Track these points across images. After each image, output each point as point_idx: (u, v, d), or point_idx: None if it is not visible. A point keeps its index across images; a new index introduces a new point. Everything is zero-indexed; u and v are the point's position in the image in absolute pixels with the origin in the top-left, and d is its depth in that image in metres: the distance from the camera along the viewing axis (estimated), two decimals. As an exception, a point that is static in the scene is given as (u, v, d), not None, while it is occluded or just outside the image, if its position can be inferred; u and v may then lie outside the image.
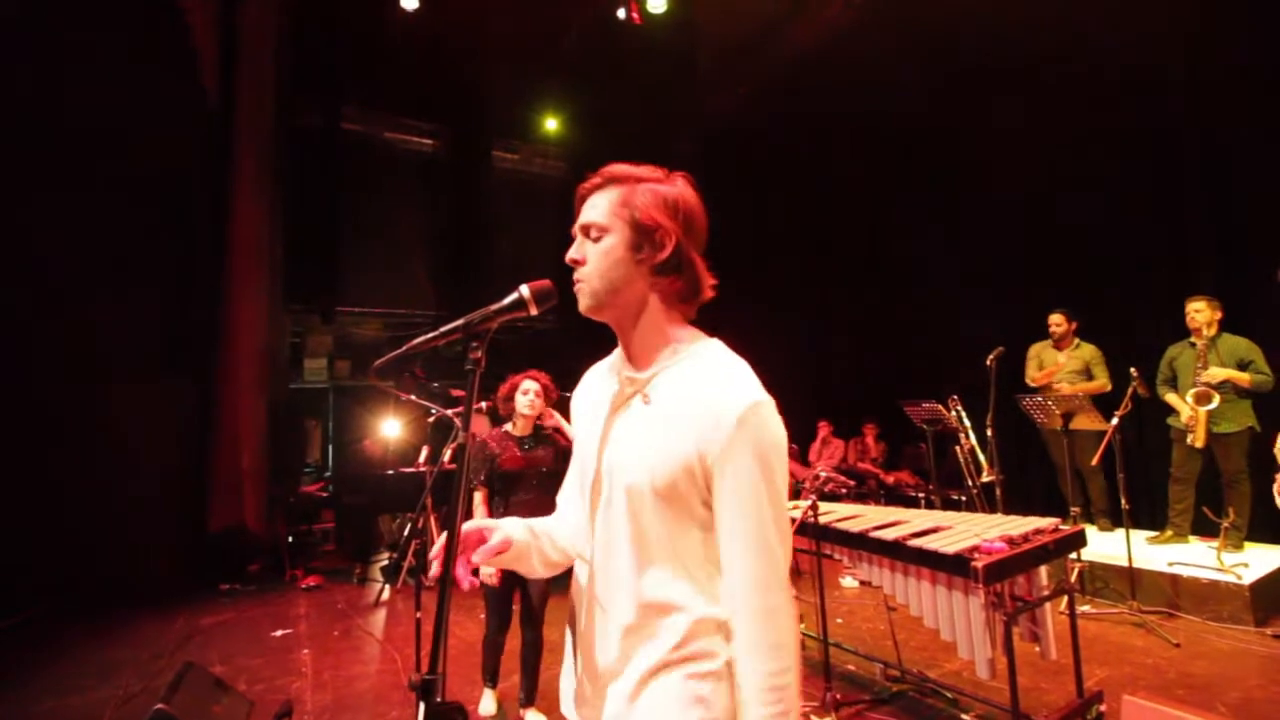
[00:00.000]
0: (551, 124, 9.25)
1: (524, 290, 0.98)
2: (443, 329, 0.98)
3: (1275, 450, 2.36)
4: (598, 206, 0.98)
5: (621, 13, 6.83)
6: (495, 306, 0.98)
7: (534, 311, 0.99)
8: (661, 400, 0.96)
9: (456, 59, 7.90)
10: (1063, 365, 4.97)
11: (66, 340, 5.31)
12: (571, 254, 1.00)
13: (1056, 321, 5.01)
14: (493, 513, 2.99)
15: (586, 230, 0.99)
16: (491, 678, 3.07)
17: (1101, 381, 4.80)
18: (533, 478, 2.97)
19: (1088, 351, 4.93)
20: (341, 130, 8.09)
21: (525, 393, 2.98)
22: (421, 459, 5.93)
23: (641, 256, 0.96)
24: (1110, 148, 5.28)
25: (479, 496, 3.00)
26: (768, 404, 0.92)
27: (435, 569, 0.90)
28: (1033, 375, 5.14)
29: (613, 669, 0.97)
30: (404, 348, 1.00)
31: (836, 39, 6.73)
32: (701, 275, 1.00)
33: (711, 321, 1.05)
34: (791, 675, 0.89)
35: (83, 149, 5.39)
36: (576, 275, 1.00)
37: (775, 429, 0.92)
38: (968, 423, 4.62)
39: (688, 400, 0.93)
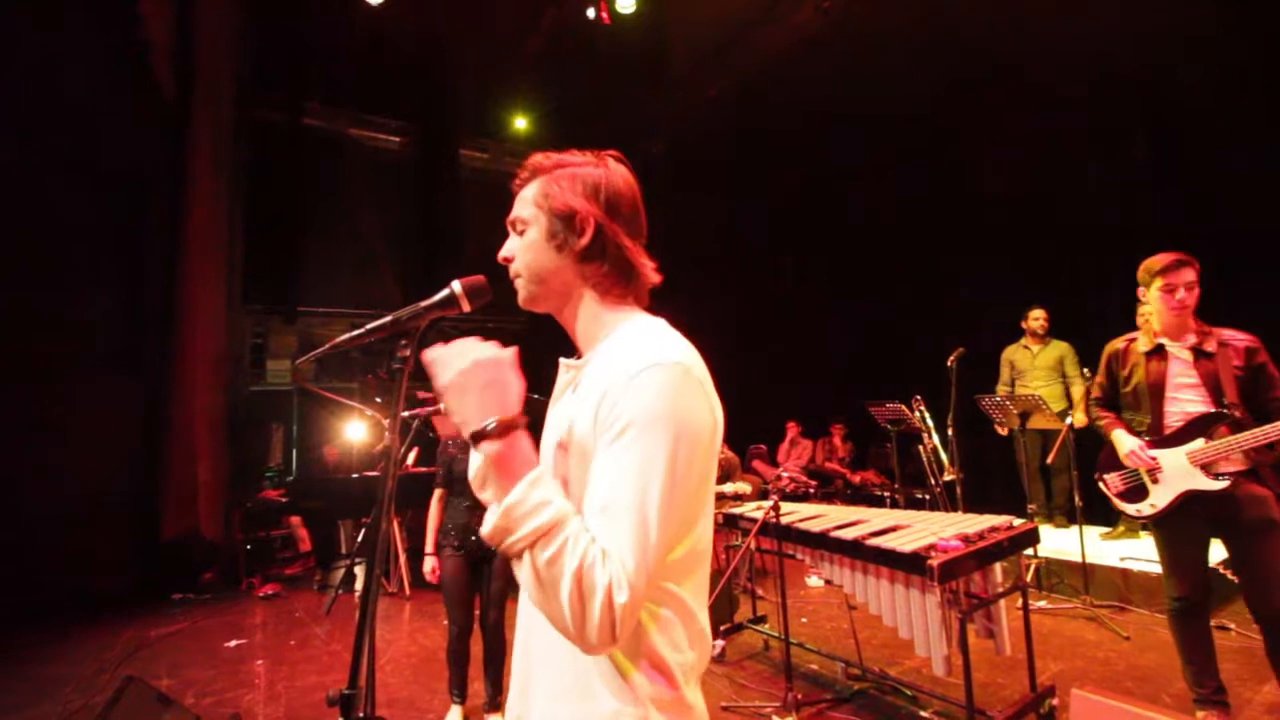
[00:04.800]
0: (521, 123, 9.18)
1: (455, 286, 0.95)
2: (370, 325, 0.95)
3: (1125, 461, 2.56)
4: (523, 200, 0.96)
5: (591, 12, 6.80)
6: (426, 303, 0.95)
7: (466, 308, 0.96)
8: (585, 384, 0.90)
9: (424, 56, 7.79)
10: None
11: (10, 339, 5.07)
12: (502, 252, 0.98)
13: (1042, 317, 5.11)
14: (448, 513, 2.97)
15: (513, 225, 0.97)
16: (459, 691, 2.99)
17: (1079, 384, 4.87)
18: None
19: (1061, 349, 5.06)
20: (304, 127, 7.89)
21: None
22: (410, 460, 5.79)
23: (559, 243, 0.93)
24: (1069, 153, 5.41)
25: (436, 496, 2.97)
26: (676, 368, 0.80)
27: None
28: (1007, 380, 5.24)
29: (526, 684, 0.92)
30: (327, 345, 0.96)
31: (806, 43, 6.80)
32: (634, 260, 0.94)
33: (680, 322, 1.00)
34: (552, 587, 0.71)
35: (28, 141, 5.15)
36: (511, 272, 0.98)
37: (676, 395, 0.78)
38: (930, 423, 4.70)
39: (600, 376, 0.86)
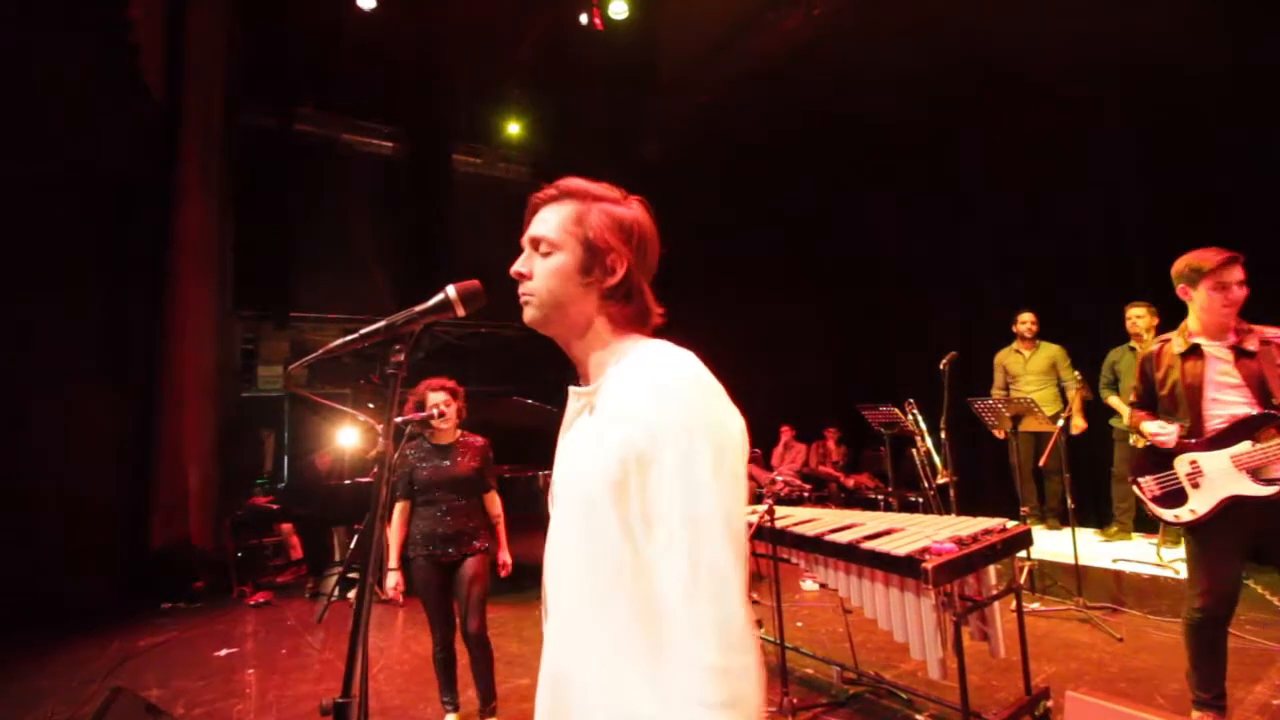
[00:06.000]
0: (514, 128, 9.18)
1: (450, 291, 0.95)
2: (364, 331, 0.95)
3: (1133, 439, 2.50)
4: (548, 221, 0.94)
5: (584, 18, 6.82)
6: (420, 308, 0.95)
7: (461, 313, 0.96)
8: (602, 407, 0.91)
9: (416, 61, 7.79)
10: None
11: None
12: (518, 267, 0.96)
13: (1029, 320, 5.13)
14: (414, 523, 2.93)
15: (536, 243, 0.95)
16: (451, 698, 2.97)
17: (1075, 387, 4.88)
18: (454, 486, 2.92)
19: (1052, 351, 5.08)
20: (295, 131, 7.87)
21: (434, 406, 2.91)
22: None
23: (590, 279, 0.93)
24: (1065, 155, 5.43)
25: (398, 509, 2.94)
26: (700, 384, 0.84)
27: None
28: (1000, 384, 5.26)
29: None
30: (320, 351, 0.95)
31: (798, 48, 6.85)
32: (650, 305, 0.97)
33: (672, 327, 1.02)
34: None
35: (12, 145, 5.10)
36: (523, 289, 0.96)
37: (710, 410, 0.83)
38: (923, 426, 4.70)
39: (620, 399, 0.87)
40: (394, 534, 2.94)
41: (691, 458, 0.79)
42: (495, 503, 3.08)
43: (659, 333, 1.01)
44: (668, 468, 0.79)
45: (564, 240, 0.93)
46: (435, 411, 2.94)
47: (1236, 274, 2.29)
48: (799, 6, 6.56)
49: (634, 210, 0.96)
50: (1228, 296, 2.29)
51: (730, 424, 0.84)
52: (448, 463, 2.95)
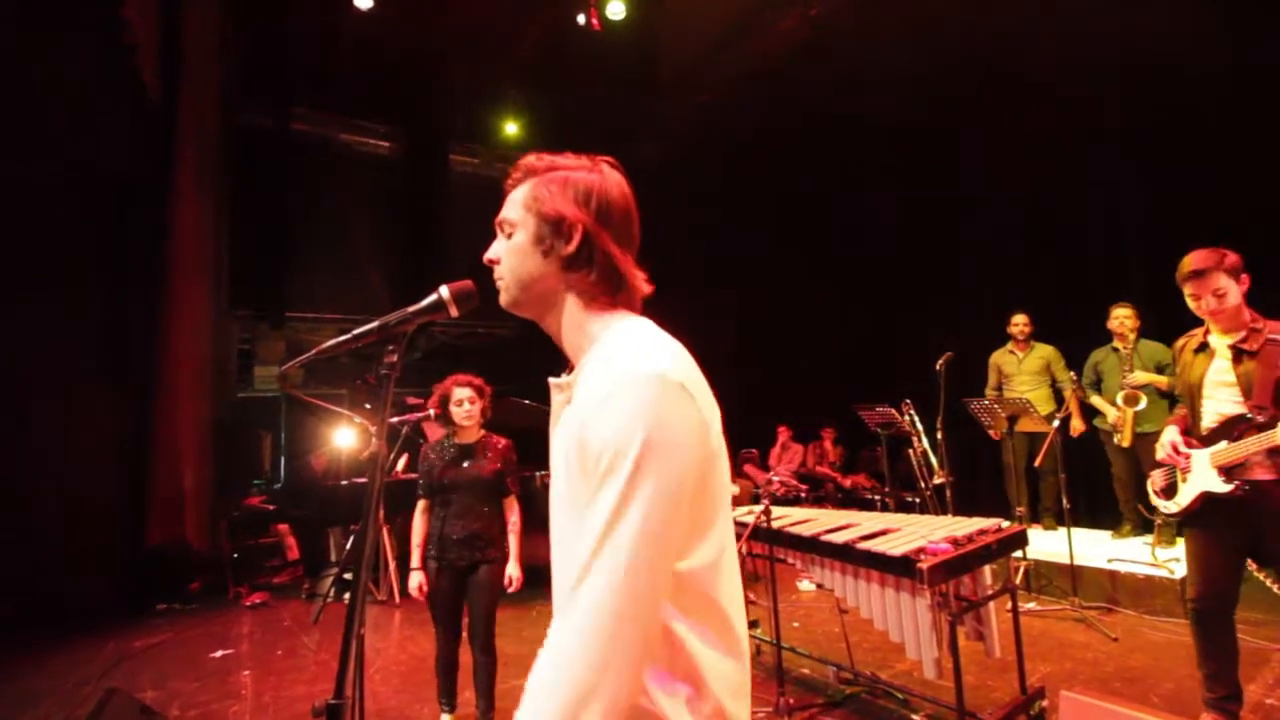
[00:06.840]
0: (511, 128, 9.17)
1: (443, 291, 0.95)
2: (357, 331, 0.95)
3: (1156, 453, 2.55)
4: (512, 202, 0.94)
5: (581, 19, 6.82)
6: (414, 308, 0.95)
7: (454, 313, 0.96)
8: (577, 401, 0.85)
9: (413, 61, 7.78)
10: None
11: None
12: (488, 254, 0.95)
13: (1023, 322, 5.14)
14: (433, 523, 2.91)
15: (501, 226, 0.95)
16: (448, 700, 2.95)
17: (1070, 388, 4.88)
18: (472, 487, 2.88)
19: (1046, 352, 5.10)
20: (292, 131, 7.86)
21: (459, 403, 2.85)
22: (400, 466, 5.75)
23: (546, 248, 0.89)
24: (1053, 155, 5.44)
25: (420, 507, 2.93)
26: (650, 378, 0.74)
27: None
28: (994, 385, 5.27)
29: None
30: (313, 351, 0.95)
31: (797, 49, 6.85)
32: (621, 268, 0.89)
33: (672, 328, 0.96)
34: None
35: (12, 145, 5.08)
36: (495, 275, 0.95)
37: (650, 413, 0.72)
38: (920, 426, 4.71)
39: (584, 391, 0.82)
40: (415, 533, 2.90)
41: (621, 474, 0.71)
42: (513, 509, 3.00)
43: (649, 307, 0.96)
44: (602, 483, 0.72)
45: (521, 217, 0.91)
46: (430, 412, 2.93)
47: (1212, 283, 2.29)
48: (795, 6, 6.55)
49: (597, 174, 0.93)
50: (1199, 306, 2.35)
51: (685, 429, 0.74)
52: (468, 463, 2.89)
